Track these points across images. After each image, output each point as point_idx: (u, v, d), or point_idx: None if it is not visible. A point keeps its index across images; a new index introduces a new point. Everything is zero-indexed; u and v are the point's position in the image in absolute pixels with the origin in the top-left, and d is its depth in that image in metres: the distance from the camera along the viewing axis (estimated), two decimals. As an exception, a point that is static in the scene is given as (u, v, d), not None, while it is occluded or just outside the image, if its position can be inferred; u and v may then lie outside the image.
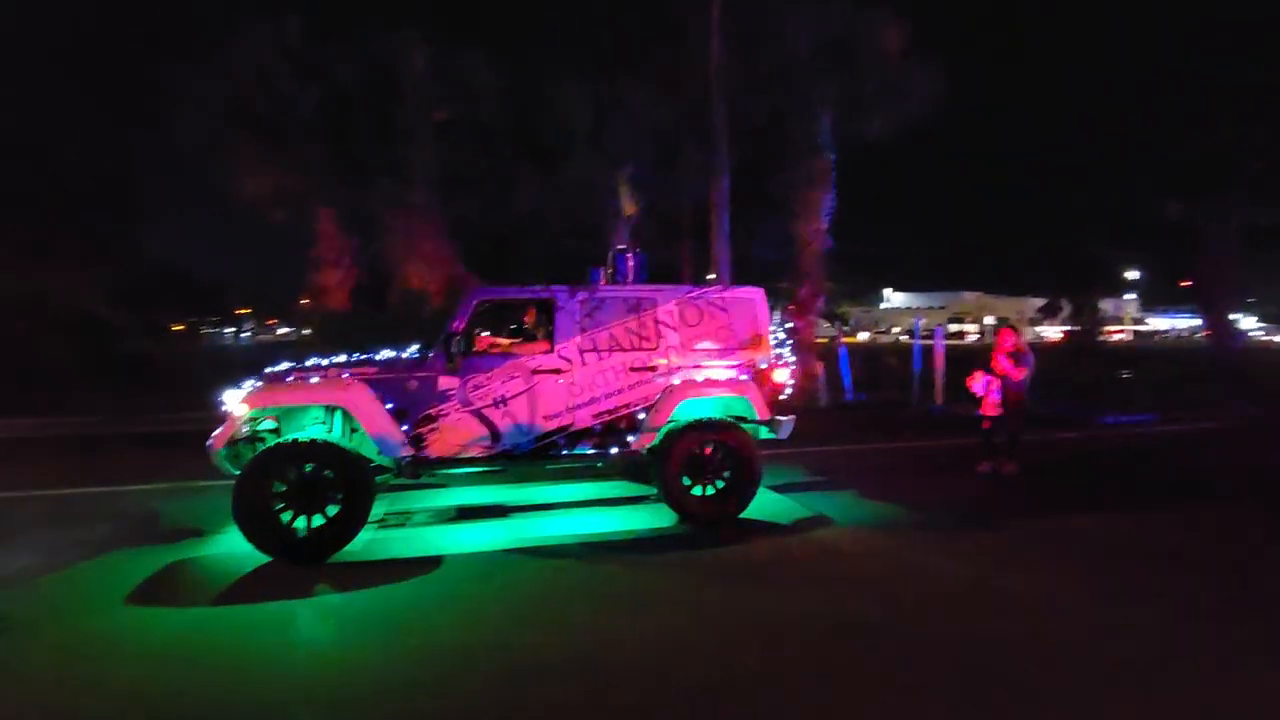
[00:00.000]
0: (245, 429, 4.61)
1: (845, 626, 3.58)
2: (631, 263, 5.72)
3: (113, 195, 16.81)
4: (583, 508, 5.94)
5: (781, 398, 5.67)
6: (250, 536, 4.42)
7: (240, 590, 4.16)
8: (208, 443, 4.55)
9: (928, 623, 3.62)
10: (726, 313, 5.65)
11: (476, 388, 5.10)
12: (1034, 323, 45.82)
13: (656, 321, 5.49)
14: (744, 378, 5.53)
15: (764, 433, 5.62)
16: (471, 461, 5.13)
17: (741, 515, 5.44)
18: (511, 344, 5.43)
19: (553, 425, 5.24)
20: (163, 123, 14.04)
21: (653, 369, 5.41)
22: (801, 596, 4.01)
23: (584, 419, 5.29)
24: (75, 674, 3.20)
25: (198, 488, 6.44)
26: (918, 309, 64.15)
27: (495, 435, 5.14)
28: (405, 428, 4.92)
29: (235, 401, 4.58)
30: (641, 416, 5.34)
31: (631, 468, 5.51)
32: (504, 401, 5.15)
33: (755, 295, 5.75)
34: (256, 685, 3.06)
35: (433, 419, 5.00)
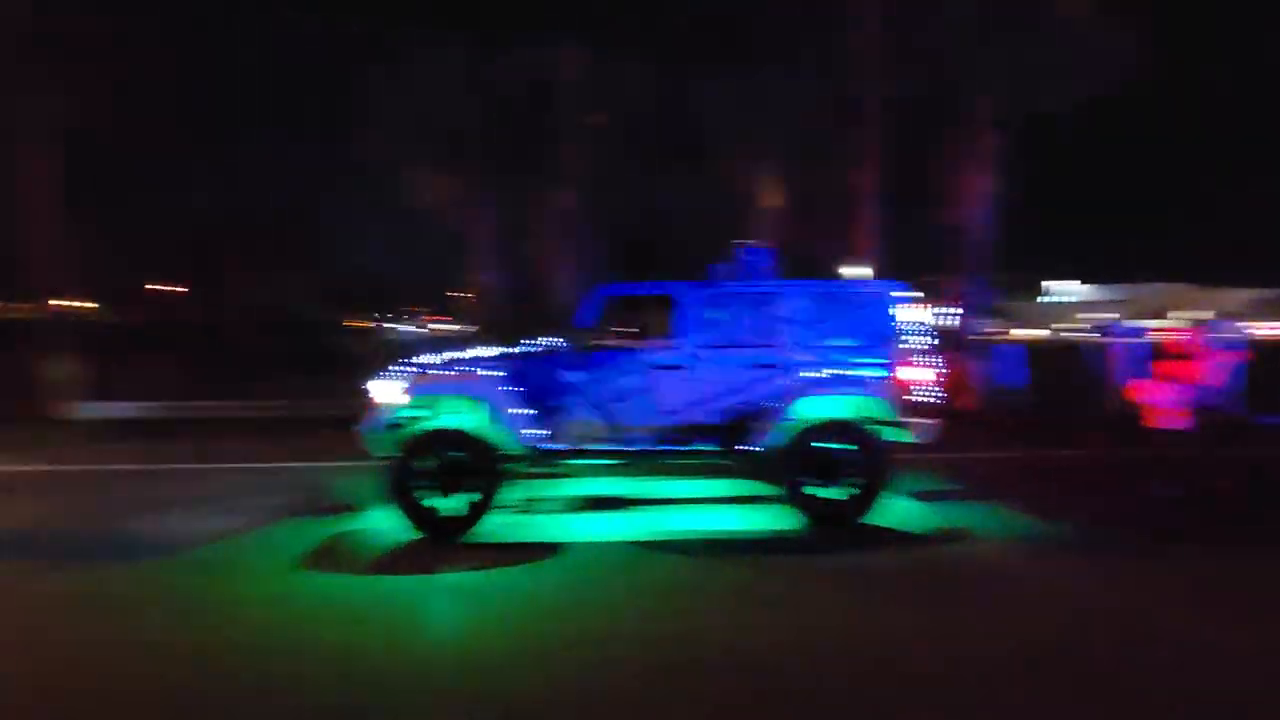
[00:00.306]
0: (393, 414, 5.06)
1: (966, 651, 3.30)
2: (756, 257, 5.60)
3: (310, 209, 19.25)
4: (705, 504, 5.93)
5: (921, 399, 5.29)
6: (397, 513, 4.84)
7: (389, 562, 4.60)
8: (360, 426, 5.06)
9: (1056, 656, 3.23)
10: (858, 308, 5.38)
11: (599, 382, 5.24)
12: (1243, 317, 39.17)
13: (781, 317, 5.33)
14: (877, 376, 5.22)
15: (900, 435, 5.27)
16: (594, 454, 5.28)
17: (872, 522, 5.15)
18: (633, 339, 5.51)
19: (673, 420, 5.27)
20: (352, 141, 15.81)
21: (776, 366, 5.26)
22: (924, 612, 3.76)
23: (704, 415, 5.27)
24: (254, 621, 3.70)
25: (363, 466, 7.17)
26: (1097, 301, 57.13)
27: (616, 429, 5.25)
28: (535, 417, 5.16)
29: (383, 390, 5.04)
30: (764, 414, 5.21)
31: (754, 466, 5.40)
32: (625, 396, 5.25)
33: (889, 289, 5.43)
34: (403, 649, 3.37)
35: (558, 411, 5.21)
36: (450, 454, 4.93)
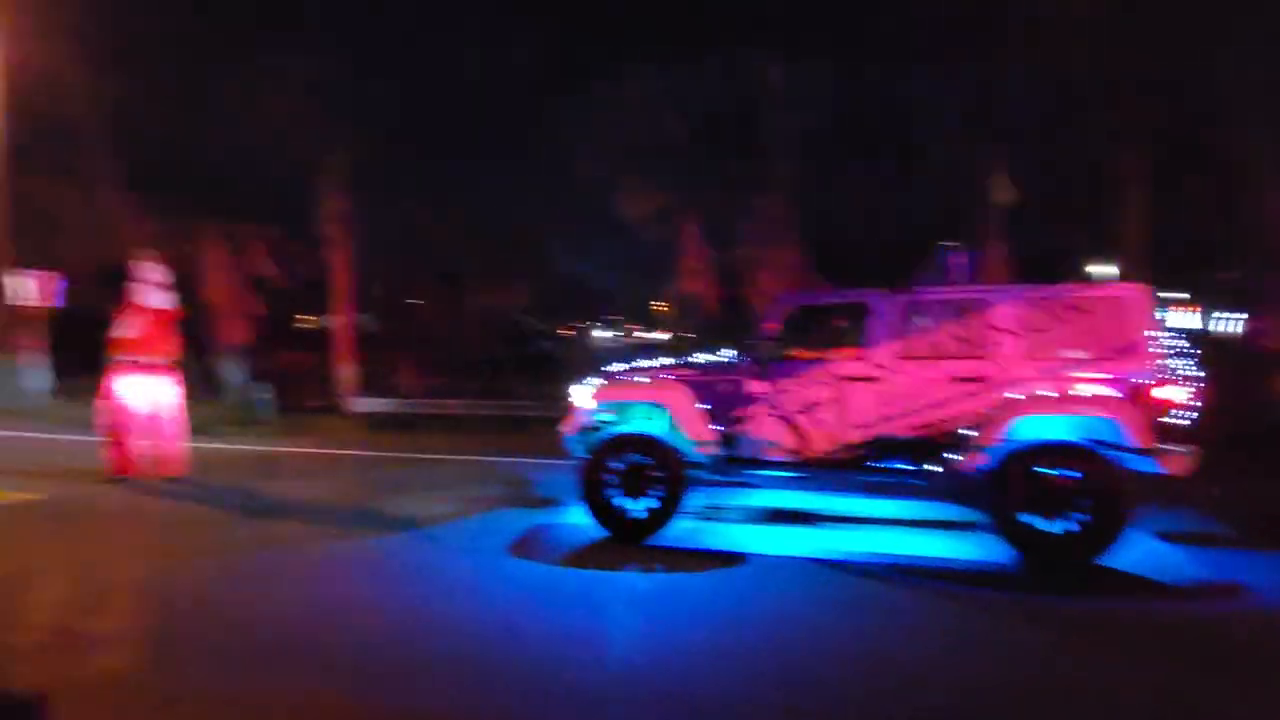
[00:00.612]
0: (588, 419, 5.41)
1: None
2: (959, 260, 5.13)
3: (532, 224, 21.22)
4: (895, 526, 5.56)
5: (1174, 421, 4.48)
6: (589, 512, 5.17)
7: (582, 556, 4.95)
8: (560, 428, 5.49)
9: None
10: (1090, 315, 4.71)
11: (784, 392, 5.16)
12: None
13: (990, 326, 4.83)
14: (1113, 394, 4.51)
15: (1144, 464, 4.50)
16: (778, 465, 5.20)
17: (1104, 563, 4.45)
18: (823, 350, 5.33)
19: (862, 435, 5.02)
20: (562, 158, 17.23)
21: (983, 379, 4.77)
22: (1174, 681, 3.14)
23: (898, 431, 4.94)
24: (463, 594, 4.19)
25: (568, 465, 7.76)
26: None
27: (801, 441, 5.13)
28: (717, 427, 5.21)
29: (580, 395, 5.42)
30: (970, 433, 4.74)
31: (955, 489, 4.93)
32: (811, 408, 5.11)
33: (1129, 293, 4.68)
34: (592, 639, 3.63)
35: (742, 421, 5.22)
36: (637, 459, 5.15)
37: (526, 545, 5.13)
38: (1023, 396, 4.64)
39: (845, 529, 5.51)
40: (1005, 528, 4.64)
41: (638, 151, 15.72)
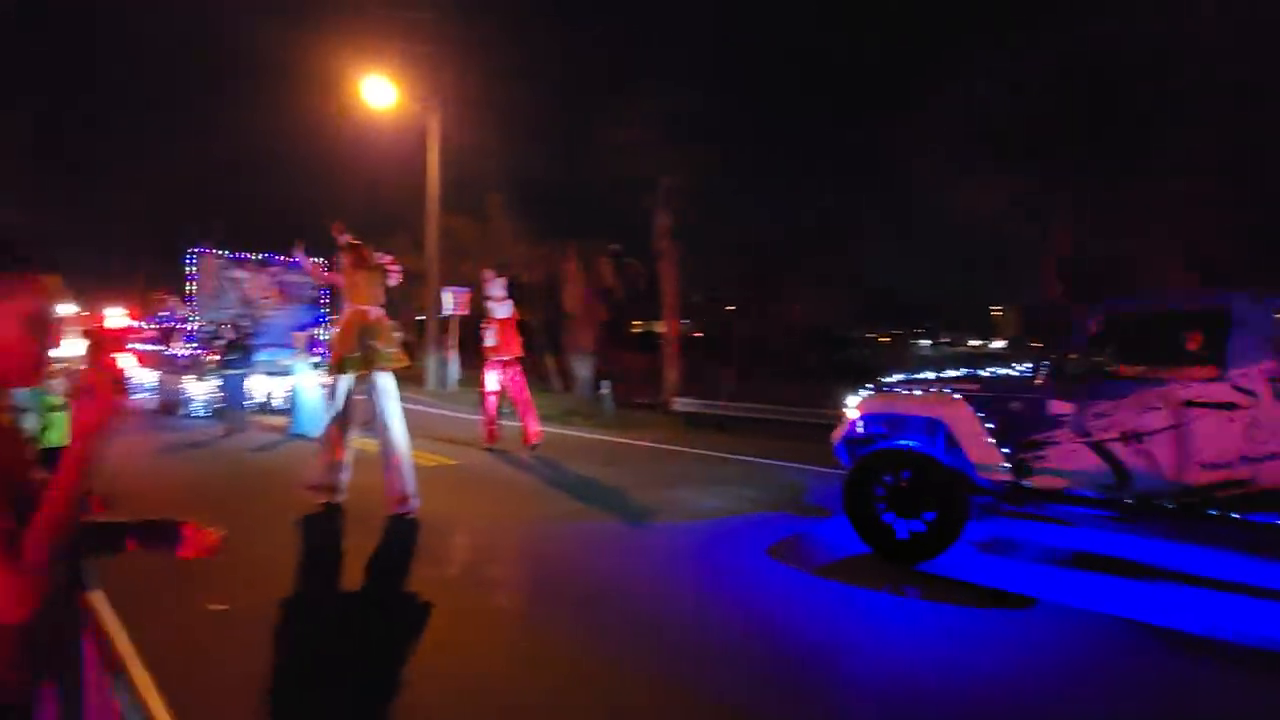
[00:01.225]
0: (858, 429, 5.26)
1: None
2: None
3: (845, 231, 20.73)
4: (1250, 593, 4.26)
5: None
6: (854, 526, 5.04)
7: (839, 568, 4.87)
8: (831, 437, 5.43)
9: None
10: None
11: (1099, 416, 4.35)
12: None
13: None
14: None
15: None
16: (1086, 501, 4.41)
17: None
18: (1157, 366, 4.35)
19: (1213, 477, 3.99)
20: (889, 157, 16.48)
21: None
22: None
23: (1272, 476, 3.80)
24: (717, 586, 4.48)
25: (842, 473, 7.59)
26: None
27: (1121, 477, 4.27)
28: (1006, 450, 4.63)
29: (854, 406, 5.29)
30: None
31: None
32: (1137, 437, 4.22)
33: None
34: (824, 651, 3.64)
35: (1038, 445, 4.55)
36: (908, 476, 4.84)
37: (786, 548, 5.23)
38: None
39: (1167, 586, 4.44)
40: None
41: (993, 136, 14.22)
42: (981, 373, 5.09)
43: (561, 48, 18.23)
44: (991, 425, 4.71)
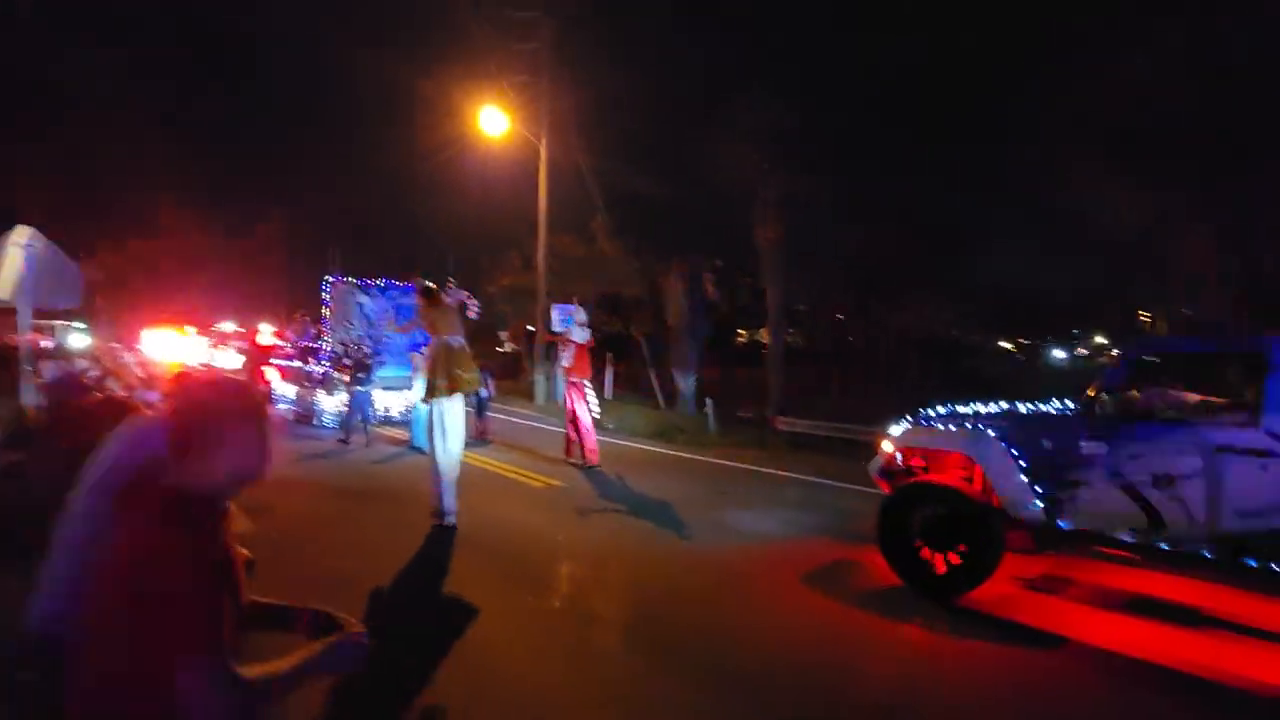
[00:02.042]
0: (894, 462, 5.49)
1: None
2: None
3: (967, 235, 19.94)
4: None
5: None
6: (886, 559, 5.29)
7: (874, 600, 5.12)
8: (869, 467, 5.69)
9: None
10: None
11: (1132, 458, 4.39)
12: None
13: None
14: None
15: None
16: (1120, 544, 4.45)
17: None
18: (1193, 409, 4.33)
19: (1248, 525, 3.95)
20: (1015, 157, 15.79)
21: None
22: None
23: (1307, 529, 3.75)
24: (745, 607, 4.93)
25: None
26: None
27: (1154, 521, 4.30)
28: (1039, 489, 4.74)
29: (893, 435, 5.54)
30: None
31: None
32: (1169, 481, 4.24)
33: None
34: (864, 687, 3.90)
35: (1071, 485, 4.63)
36: (942, 510, 5.03)
37: (822, 576, 5.55)
38: None
39: (1212, 632, 4.38)
40: None
41: (1120, 136, 13.41)
42: (1018, 409, 5.18)
43: (666, 62, 19.05)
44: (1024, 463, 4.83)
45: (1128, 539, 4.42)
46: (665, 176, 19.12)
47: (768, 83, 17.84)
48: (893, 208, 18.92)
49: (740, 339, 25.39)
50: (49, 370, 8.94)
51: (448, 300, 6.91)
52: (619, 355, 20.32)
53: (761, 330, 19.31)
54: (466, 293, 7.09)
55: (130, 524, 1.42)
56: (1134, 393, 4.58)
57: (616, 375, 20.00)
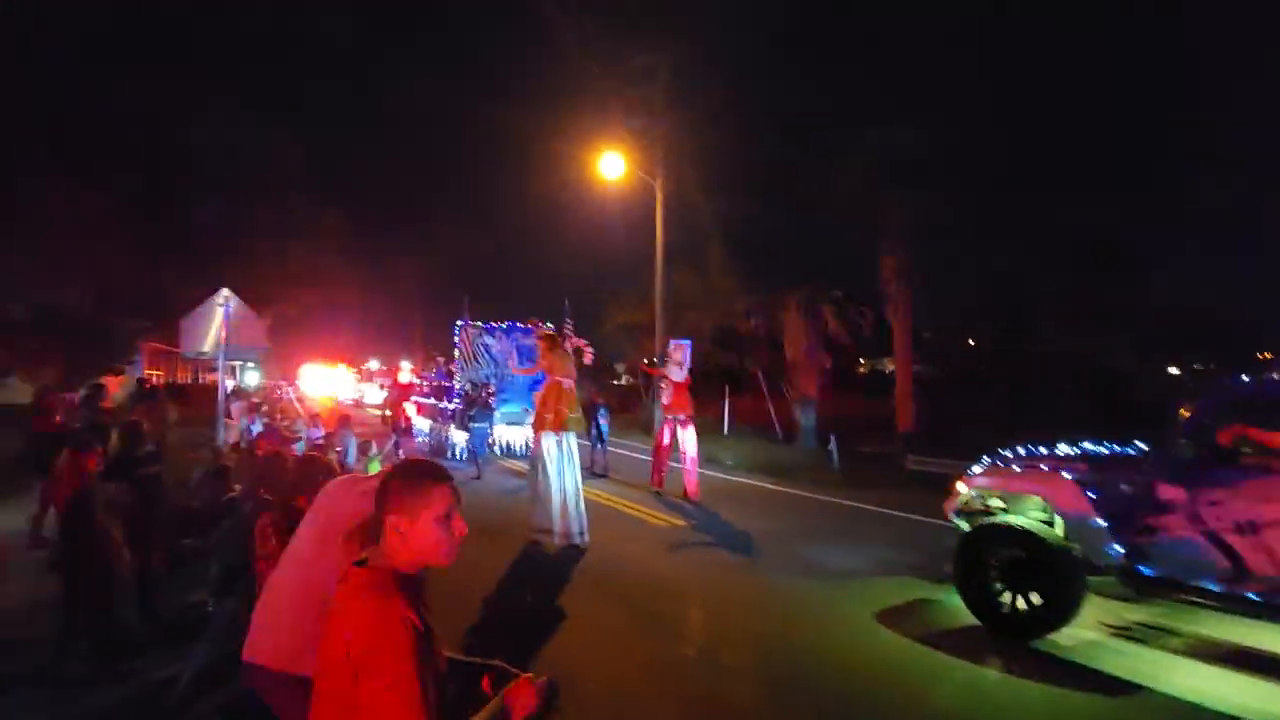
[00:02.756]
0: (970, 502, 5.66)
1: None
2: None
3: (1121, 248, 18.63)
4: None
5: None
6: (961, 596, 5.47)
7: (948, 640, 5.29)
8: (945, 506, 5.89)
9: None
10: None
11: (1212, 504, 4.41)
12: None
13: None
14: None
15: None
16: (1204, 593, 4.44)
17: None
18: (1275, 453, 4.29)
19: (1340, 579, 3.90)
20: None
21: None
22: None
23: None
24: (828, 651, 5.29)
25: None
26: None
27: (1238, 570, 4.29)
28: (1117, 534, 4.80)
29: (970, 475, 5.73)
30: None
31: None
32: (1254, 529, 4.23)
33: None
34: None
35: (1150, 531, 4.67)
36: (1018, 552, 5.17)
37: (898, 614, 5.76)
38: None
39: None
40: None
41: None
42: (1096, 450, 5.23)
43: (782, 91, 19.60)
44: (1101, 507, 4.90)
45: (1212, 587, 4.39)
46: (782, 206, 19.54)
47: (892, 101, 17.89)
48: (1043, 225, 18.13)
49: (861, 369, 24.95)
50: (236, 409, 10.85)
51: (566, 346, 7.92)
52: (736, 389, 20.69)
53: (886, 360, 18.98)
54: (584, 341, 8.05)
55: (354, 593, 1.57)
56: (1219, 434, 4.57)
57: (733, 410, 20.39)
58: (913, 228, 17.79)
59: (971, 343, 21.57)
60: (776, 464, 14.64)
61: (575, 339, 8.03)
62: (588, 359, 8.04)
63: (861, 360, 25.03)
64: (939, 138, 17.32)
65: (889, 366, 19.67)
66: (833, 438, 14.63)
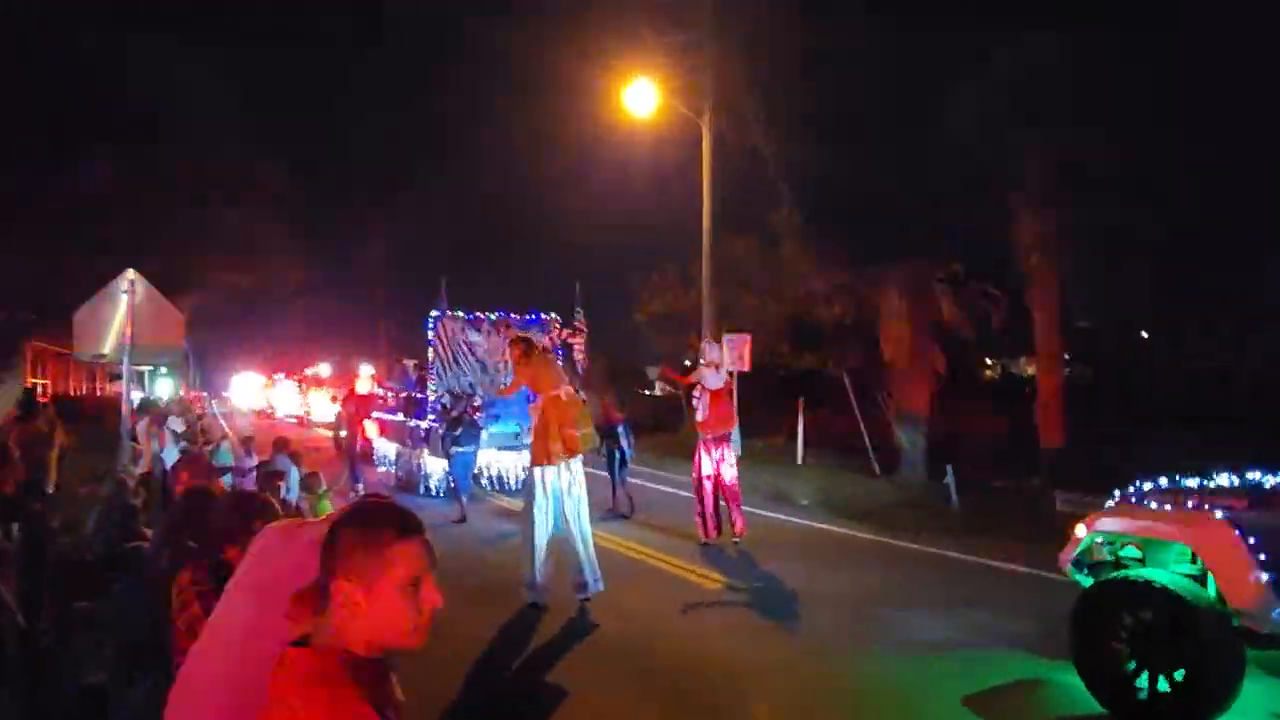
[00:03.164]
0: (1100, 550, 5.95)
1: None
2: None
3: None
4: None
5: None
6: (1079, 673, 5.74)
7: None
8: (1060, 557, 6.17)
9: None
10: None
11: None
12: None
13: None
14: None
15: None
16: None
17: None
18: None
19: None
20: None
21: None
22: None
23: None
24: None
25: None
26: None
27: None
28: (1280, 587, 5.06)
29: (1095, 516, 6.02)
30: None
31: None
32: None
33: None
34: None
35: (1327, 589, 4.91)
36: (1155, 616, 5.41)
37: (990, 699, 6.02)
38: None
39: None
40: None
41: None
42: (1262, 482, 5.47)
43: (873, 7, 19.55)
44: (1264, 556, 5.14)
45: None
46: (877, 156, 19.41)
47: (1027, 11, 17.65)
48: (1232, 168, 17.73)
49: (989, 373, 24.68)
50: (144, 429, 11.42)
51: (546, 343, 8.36)
52: (813, 401, 20.65)
53: (1024, 360, 18.73)
54: (568, 331, 8.49)
55: (294, 685, 1.57)
56: None
57: (810, 429, 20.34)
58: (1062, 175, 17.39)
59: (1145, 336, 21.24)
60: (869, 503, 14.85)
61: (562, 330, 8.43)
62: (578, 352, 8.46)
63: (989, 360, 24.66)
64: (1100, 46, 16.92)
65: (1028, 369, 19.45)
66: (949, 468, 14.57)
